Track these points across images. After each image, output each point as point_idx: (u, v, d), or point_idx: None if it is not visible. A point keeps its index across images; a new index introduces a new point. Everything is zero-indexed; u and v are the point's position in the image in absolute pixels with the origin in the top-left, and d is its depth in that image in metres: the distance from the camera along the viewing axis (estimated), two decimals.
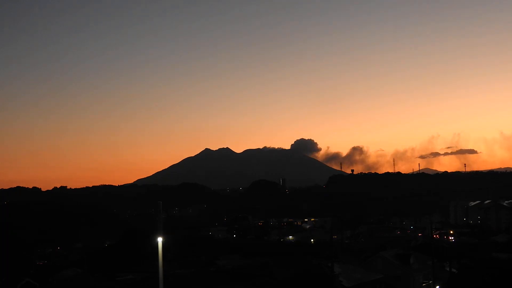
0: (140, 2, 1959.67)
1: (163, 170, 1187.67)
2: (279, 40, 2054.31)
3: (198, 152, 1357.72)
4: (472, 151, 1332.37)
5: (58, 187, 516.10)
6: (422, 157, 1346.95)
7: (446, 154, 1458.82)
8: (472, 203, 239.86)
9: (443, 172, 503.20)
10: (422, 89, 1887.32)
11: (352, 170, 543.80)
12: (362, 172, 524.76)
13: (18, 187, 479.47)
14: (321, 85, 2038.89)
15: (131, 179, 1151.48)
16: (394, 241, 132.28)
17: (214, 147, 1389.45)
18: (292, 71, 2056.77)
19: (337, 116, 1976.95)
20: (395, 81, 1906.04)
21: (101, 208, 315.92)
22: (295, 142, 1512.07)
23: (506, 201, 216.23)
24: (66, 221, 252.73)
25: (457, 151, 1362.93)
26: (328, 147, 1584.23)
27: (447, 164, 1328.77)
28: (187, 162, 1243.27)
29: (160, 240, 29.99)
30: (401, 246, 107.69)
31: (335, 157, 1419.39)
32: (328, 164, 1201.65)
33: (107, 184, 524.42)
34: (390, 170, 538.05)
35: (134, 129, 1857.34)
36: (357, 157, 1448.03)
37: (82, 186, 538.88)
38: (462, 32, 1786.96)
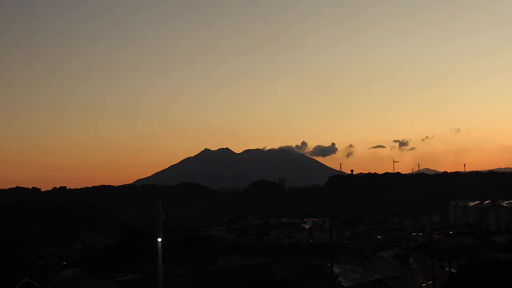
0: (138, 2, 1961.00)
1: (162, 170, 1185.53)
2: (279, 40, 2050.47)
3: (198, 152, 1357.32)
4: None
5: (57, 187, 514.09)
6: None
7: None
8: (472, 203, 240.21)
9: (443, 172, 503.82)
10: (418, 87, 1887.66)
11: (352, 170, 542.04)
12: (361, 172, 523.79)
13: (17, 187, 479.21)
14: (322, 85, 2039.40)
15: (130, 179, 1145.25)
16: (394, 241, 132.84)
17: (214, 147, 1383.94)
18: (293, 72, 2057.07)
19: (337, 116, 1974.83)
20: (395, 81, 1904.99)
21: (101, 208, 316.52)
22: (294, 142, 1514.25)
23: (505, 201, 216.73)
24: (66, 221, 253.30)
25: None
26: (328, 147, 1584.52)
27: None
28: (187, 162, 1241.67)
29: (159, 240, 29.99)
30: (401, 246, 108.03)
31: (335, 157, 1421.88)
32: (327, 164, 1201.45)
33: (106, 184, 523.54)
34: (390, 170, 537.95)
35: (133, 129, 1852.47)
36: (358, 157, 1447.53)
37: (82, 186, 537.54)
38: (457, 32, 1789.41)
